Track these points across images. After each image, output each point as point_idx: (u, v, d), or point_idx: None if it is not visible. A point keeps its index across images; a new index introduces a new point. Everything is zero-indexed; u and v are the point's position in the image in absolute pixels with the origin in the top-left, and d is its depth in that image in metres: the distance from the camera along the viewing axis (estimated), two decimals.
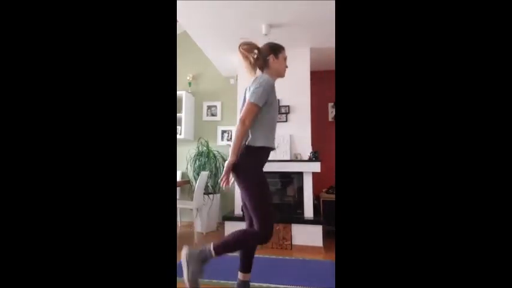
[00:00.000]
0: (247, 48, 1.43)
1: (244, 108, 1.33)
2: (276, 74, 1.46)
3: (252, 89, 1.34)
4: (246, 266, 1.47)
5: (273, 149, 1.42)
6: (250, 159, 1.33)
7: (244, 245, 1.38)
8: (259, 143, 1.34)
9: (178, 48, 4.03)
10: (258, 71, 1.47)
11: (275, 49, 1.45)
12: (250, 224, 1.47)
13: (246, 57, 1.44)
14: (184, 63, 4.06)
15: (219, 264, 2.16)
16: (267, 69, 1.45)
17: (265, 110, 1.35)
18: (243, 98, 1.47)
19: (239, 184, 1.36)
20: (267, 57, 1.44)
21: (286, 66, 1.50)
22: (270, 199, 1.39)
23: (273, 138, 1.42)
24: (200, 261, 1.31)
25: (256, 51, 1.43)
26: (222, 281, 1.84)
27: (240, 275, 1.48)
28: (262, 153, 1.38)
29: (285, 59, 1.48)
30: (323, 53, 3.28)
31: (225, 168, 1.33)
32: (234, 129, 1.33)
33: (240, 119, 1.31)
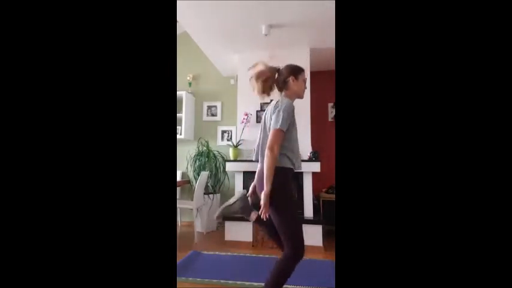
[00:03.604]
0: (263, 72, 1.44)
1: (270, 135, 1.33)
2: (295, 96, 1.48)
3: (275, 114, 1.35)
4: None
5: (297, 169, 1.43)
6: (276, 181, 1.33)
7: (289, 273, 1.37)
8: (283, 164, 1.35)
9: (178, 48, 4.03)
10: (274, 93, 1.49)
11: (295, 71, 1.46)
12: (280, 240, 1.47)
13: (260, 80, 1.44)
14: (184, 63, 4.06)
15: (219, 264, 2.16)
16: (286, 91, 1.46)
17: (287, 133, 1.36)
18: (262, 123, 1.48)
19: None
20: (286, 78, 1.45)
21: (305, 88, 1.52)
22: (298, 217, 1.40)
23: (297, 160, 1.43)
24: (243, 210, 1.40)
25: (276, 73, 1.45)
26: (222, 281, 1.84)
27: None
28: (287, 173, 1.38)
29: (304, 81, 1.49)
30: (323, 53, 3.29)
31: (263, 200, 1.32)
32: (265, 158, 1.37)
33: (268, 147, 1.31)
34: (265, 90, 1.45)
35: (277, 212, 1.35)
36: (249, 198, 1.51)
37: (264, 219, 1.34)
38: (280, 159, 1.35)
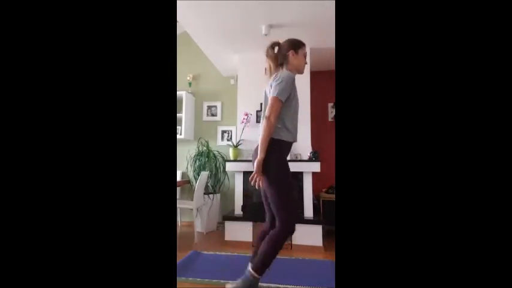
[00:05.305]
0: (270, 46, 1.46)
1: (268, 104, 1.33)
2: (295, 70, 1.46)
3: (274, 84, 1.33)
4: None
5: (294, 141, 1.43)
6: (273, 153, 1.33)
7: (279, 248, 1.35)
8: (281, 137, 1.34)
9: (178, 48, 4.03)
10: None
11: (295, 45, 1.46)
12: (271, 217, 1.46)
13: (269, 55, 1.45)
14: (184, 63, 4.06)
15: (219, 264, 2.16)
16: (286, 65, 1.45)
17: (287, 105, 1.35)
18: (264, 97, 1.47)
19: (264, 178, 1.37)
20: (286, 52, 1.44)
21: (306, 63, 1.50)
22: (293, 192, 1.39)
23: (295, 132, 1.42)
24: None
25: (276, 46, 1.45)
26: (222, 281, 1.84)
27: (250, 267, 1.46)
28: (284, 147, 1.38)
29: (304, 55, 1.48)
30: (323, 53, 3.28)
31: (256, 167, 1.31)
32: (261, 126, 1.32)
33: (265, 116, 1.30)
34: (273, 67, 1.45)
35: (270, 184, 1.34)
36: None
37: (256, 187, 1.32)
38: (278, 131, 1.34)
